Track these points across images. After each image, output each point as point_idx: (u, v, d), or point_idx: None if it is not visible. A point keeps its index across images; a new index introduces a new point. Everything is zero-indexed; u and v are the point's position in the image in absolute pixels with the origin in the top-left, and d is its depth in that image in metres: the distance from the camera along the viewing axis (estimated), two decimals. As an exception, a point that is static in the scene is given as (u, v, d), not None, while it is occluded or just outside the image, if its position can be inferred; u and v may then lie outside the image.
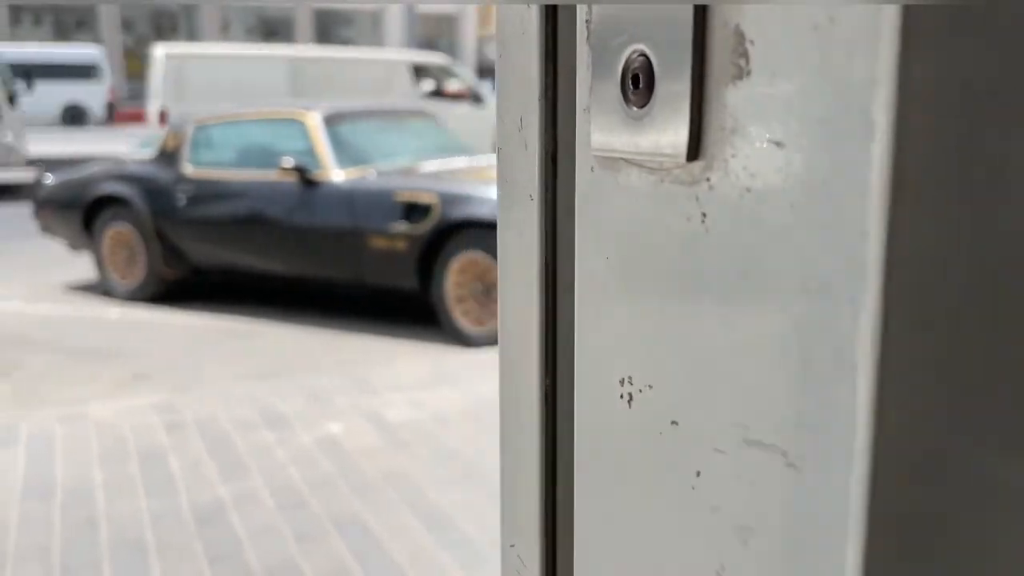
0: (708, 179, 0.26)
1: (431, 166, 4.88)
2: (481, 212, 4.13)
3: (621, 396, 0.30)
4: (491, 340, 4.12)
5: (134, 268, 5.36)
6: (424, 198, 4.30)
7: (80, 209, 5.49)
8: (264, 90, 9.02)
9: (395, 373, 3.44)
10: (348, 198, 4.51)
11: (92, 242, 5.50)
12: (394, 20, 33.49)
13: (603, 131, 0.30)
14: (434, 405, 3.05)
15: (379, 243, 4.41)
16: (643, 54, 0.28)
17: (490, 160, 5.08)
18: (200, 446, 2.70)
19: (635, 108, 0.28)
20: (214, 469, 2.53)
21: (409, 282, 4.41)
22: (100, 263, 5.48)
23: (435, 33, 35.24)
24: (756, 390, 0.25)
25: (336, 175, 4.61)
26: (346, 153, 4.79)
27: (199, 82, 9.05)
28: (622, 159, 0.29)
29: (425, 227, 4.26)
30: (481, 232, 4.14)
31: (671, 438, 0.28)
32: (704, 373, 0.27)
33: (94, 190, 5.44)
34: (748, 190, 0.25)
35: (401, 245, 4.34)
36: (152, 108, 9.13)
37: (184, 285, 5.42)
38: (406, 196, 4.35)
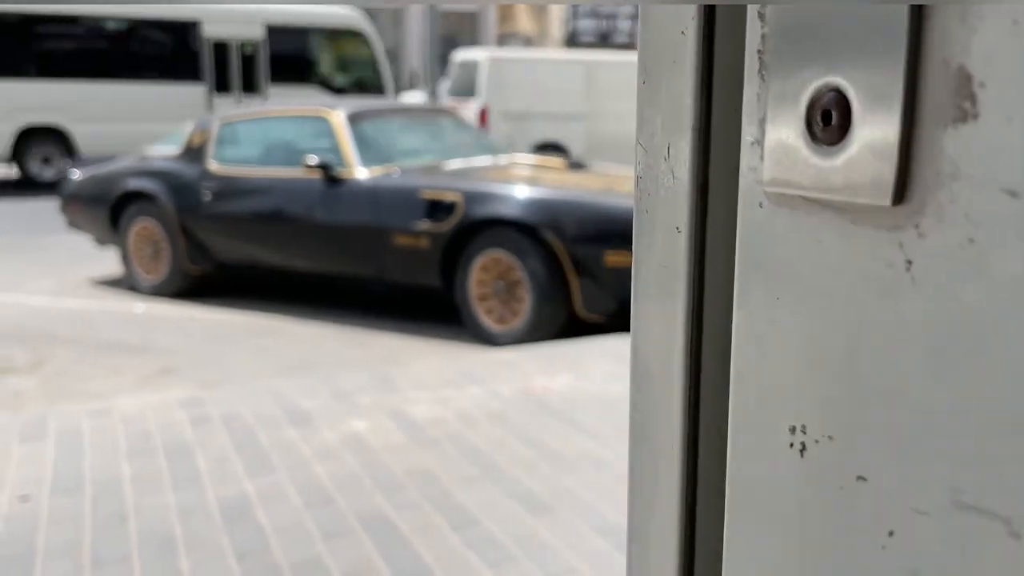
0: (917, 225, 0.25)
1: (455, 164, 4.86)
2: (504, 210, 4.11)
3: (791, 445, 0.29)
4: (513, 339, 4.10)
5: (159, 264, 5.38)
6: (448, 196, 4.28)
7: (106, 205, 5.52)
8: (563, 91, 9.90)
9: (419, 371, 3.43)
10: (372, 195, 4.50)
11: (118, 237, 5.53)
12: (415, 18, 33.51)
13: (779, 167, 0.28)
14: (459, 404, 3.03)
15: (403, 241, 4.40)
16: (836, 89, 0.26)
17: (512, 159, 5.06)
18: (226, 442, 2.70)
19: (824, 145, 0.27)
20: (240, 465, 2.52)
21: (432, 280, 4.40)
22: (125, 258, 5.51)
23: (456, 31, 35.24)
24: (974, 452, 0.24)
25: (360, 173, 4.61)
26: (370, 151, 4.79)
27: (514, 83, 9.67)
28: (801, 197, 0.28)
29: (448, 225, 4.24)
30: (504, 230, 4.12)
31: (856, 494, 0.27)
32: (905, 429, 0.25)
33: (120, 186, 5.47)
34: (971, 240, 0.23)
35: (424, 243, 4.33)
36: (472, 106, 9.57)
37: (208, 281, 5.44)
38: (430, 194, 4.34)
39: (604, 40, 37.25)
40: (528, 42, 39.74)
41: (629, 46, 37.49)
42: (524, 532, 2.10)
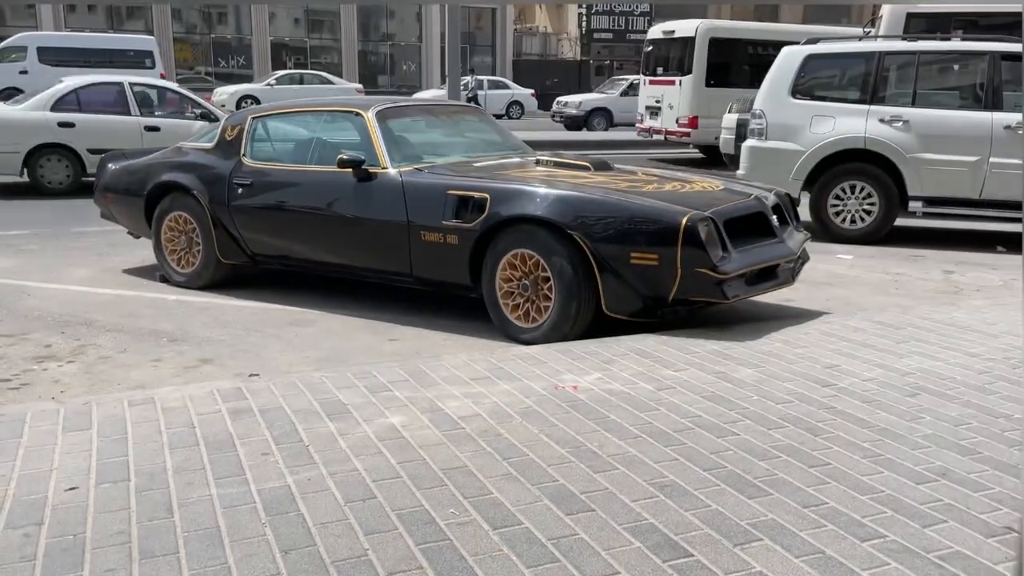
0: None
1: (483, 162, 4.85)
2: (532, 209, 4.09)
3: None
4: (540, 336, 4.09)
5: (191, 256, 5.40)
6: (476, 194, 4.27)
7: (140, 196, 5.54)
8: None
9: (451, 365, 3.43)
10: (402, 192, 4.49)
11: (151, 229, 5.55)
12: (435, 15, 33.37)
13: None
14: (491, 400, 3.03)
15: (431, 237, 4.39)
16: None
17: (539, 157, 5.03)
18: (266, 434, 2.71)
19: None
20: (280, 458, 2.53)
21: (461, 277, 4.39)
22: (159, 250, 5.53)
23: (475, 26, 35.07)
24: None
25: (391, 169, 4.60)
26: (401, 148, 4.78)
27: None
28: None
29: (477, 223, 4.23)
30: (532, 229, 4.11)
31: None
32: None
33: (155, 178, 5.48)
34: None
35: (453, 240, 4.32)
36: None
37: (240, 274, 5.45)
38: (458, 192, 4.33)
39: (620, 36, 37.04)
40: (545, 38, 39.53)
41: (643, 42, 37.11)
42: (562, 532, 2.10)
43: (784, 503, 2.25)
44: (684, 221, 3.85)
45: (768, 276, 4.24)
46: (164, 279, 5.56)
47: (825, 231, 7.25)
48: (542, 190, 4.16)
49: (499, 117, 28.09)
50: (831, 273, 5.98)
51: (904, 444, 2.66)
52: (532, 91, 28.96)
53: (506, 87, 28.60)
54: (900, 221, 7.25)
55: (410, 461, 2.50)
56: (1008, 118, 6.76)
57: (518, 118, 27.54)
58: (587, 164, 4.75)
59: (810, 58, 7.46)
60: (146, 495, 2.29)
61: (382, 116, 4.86)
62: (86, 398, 3.07)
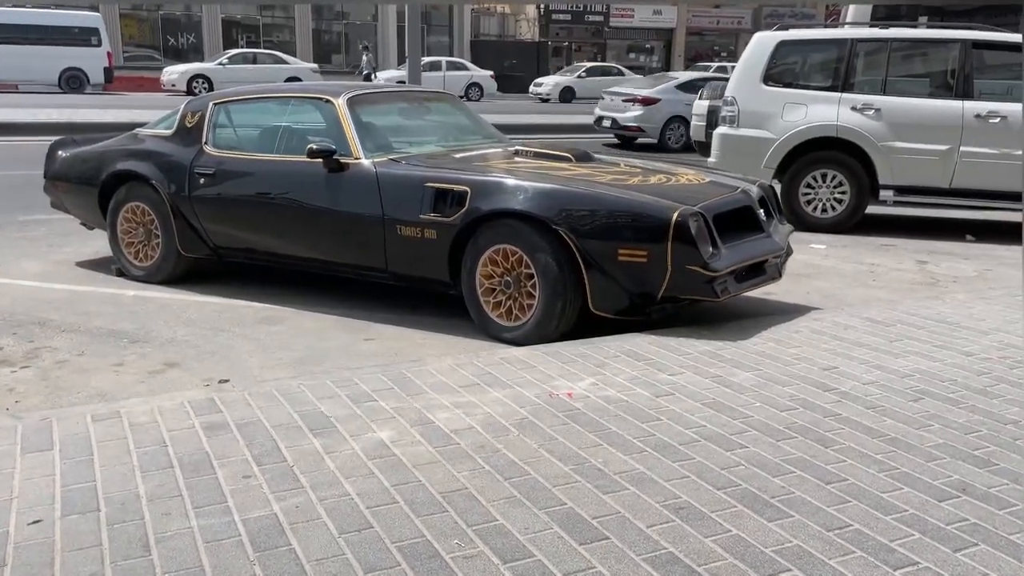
0: None
1: (462, 153, 4.65)
2: (515, 204, 3.92)
3: None
4: (523, 336, 3.93)
5: (150, 249, 5.12)
6: (455, 187, 4.08)
7: (95, 185, 5.23)
8: None
9: (436, 370, 3.25)
10: (376, 184, 4.28)
11: (106, 220, 5.25)
12: (392, -7, 32.76)
13: None
14: (483, 410, 2.86)
15: (408, 232, 4.19)
16: None
17: (518, 147, 4.84)
18: (245, 454, 2.51)
19: None
20: (264, 482, 2.33)
21: (439, 273, 4.20)
22: (115, 242, 5.24)
23: (431, 6, 34.53)
24: None
25: (364, 160, 4.38)
26: (374, 137, 4.55)
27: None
28: None
29: (456, 217, 4.04)
30: (514, 224, 3.94)
31: None
32: None
33: (109, 166, 5.18)
34: None
35: (431, 235, 4.13)
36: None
37: (202, 268, 5.20)
38: (437, 184, 4.13)
39: (578, 18, 36.85)
40: (503, 18, 39.15)
41: (601, 24, 37.00)
42: (578, 565, 1.95)
43: (807, 526, 2.13)
44: (675, 216, 3.71)
45: (756, 272, 4.13)
46: (120, 273, 5.27)
47: (796, 220, 7.19)
48: (526, 183, 3.99)
49: (457, 99, 27.80)
50: (807, 264, 5.91)
51: (918, 455, 2.56)
52: (491, 73, 28.70)
53: (464, 68, 28.29)
54: (869, 209, 7.23)
55: (405, 483, 2.33)
56: (979, 107, 6.75)
57: (477, 100, 27.24)
58: (568, 155, 4.58)
59: (782, 45, 7.37)
60: (119, 528, 2.09)
61: (353, 103, 4.63)
62: (45, 413, 2.83)
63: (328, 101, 4.64)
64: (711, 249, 3.81)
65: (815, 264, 5.91)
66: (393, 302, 4.76)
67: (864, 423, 2.80)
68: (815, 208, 7.24)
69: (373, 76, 25.63)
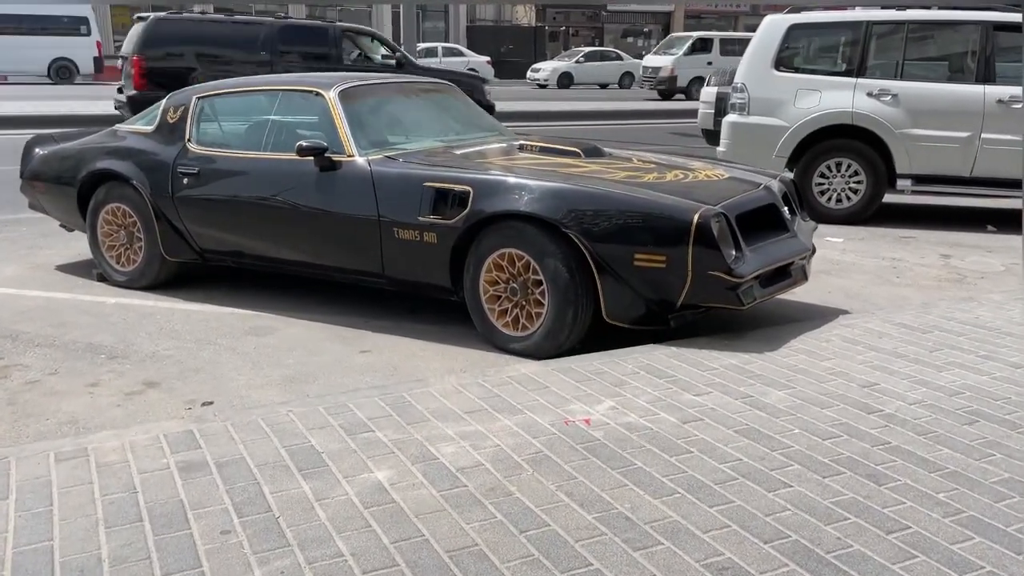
0: None
1: (464, 149, 4.33)
2: (521, 205, 3.61)
3: None
4: (531, 346, 3.64)
5: (132, 252, 4.80)
6: (457, 187, 3.77)
7: (73, 185, 4.91)
8: None
9: (438, 392, 2.95)
10: (371, 184, 3.97)
11: (86, 222, 4.93)
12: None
13: None
14: (493, 442, 2.56)
15: (406, 235, 3.88)
16: None
17: (522, 142, 4.52)
18: (225, 501, 2.21)
19: None
20: (245, 539, 2.04)
21: (440, 278, 3.90)
22: (95, 246, 4.92)
23: (427, -8, 34.04)
24: None
25: (358, 158, 4.06)
26: (368, 133, 4.23)
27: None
28: None
29: (458, 219, 3.73)
30: (521, 226, 3.63)
31: None
32: None
33: (88, 165, 4.86)
34: None
35: (431, 238, 3.82)
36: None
37: (188, 272, 4.88)
38: (437, 184, 3.82)
39: (575, 2, 36.34)
40: (499, 3, 38.64)
41: (598, 8, 36.56)
42: (611, 648, 1.65)
43: (872, 590, 1.84)
44: (695, 218, 3.40)
45: (782, 275, 3.83)
46: (102, 278, 4.96)
47: (810, 211, 6.88)
48: (532, 182, 3.67)
49: (454, 85, 27.34)
50: (825, 259, 5.61)
51: (984, 494, 2.26)
52: (488, 58, 28.28)
53: (461, 54, 27.89)
54: (884, 197, 6.92)
55: (406, 540, 2.03)
56: (1001, 92, 6.43)
57: (474, 86, 26.79)
58: (576, 150, 4.27)
59: (794, 28, 7.04)
60: (74, 604, 1.79)
61: (346, 96, 4.30)
62: (3, 452, 2.52)
63: (318, 94, 4.31)
64: (734, 252, 3.50)
65: (834, 260, 5.60)
66: (390, 306, 4.45)
67: (917, 453, 2.50)
68: (829, 198, 6.93)
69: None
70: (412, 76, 5.42)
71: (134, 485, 2.30)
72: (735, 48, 20.70)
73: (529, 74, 28.59)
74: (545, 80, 27.98)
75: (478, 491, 2.26)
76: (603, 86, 28.84)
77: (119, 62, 11.27)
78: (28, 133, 10.78)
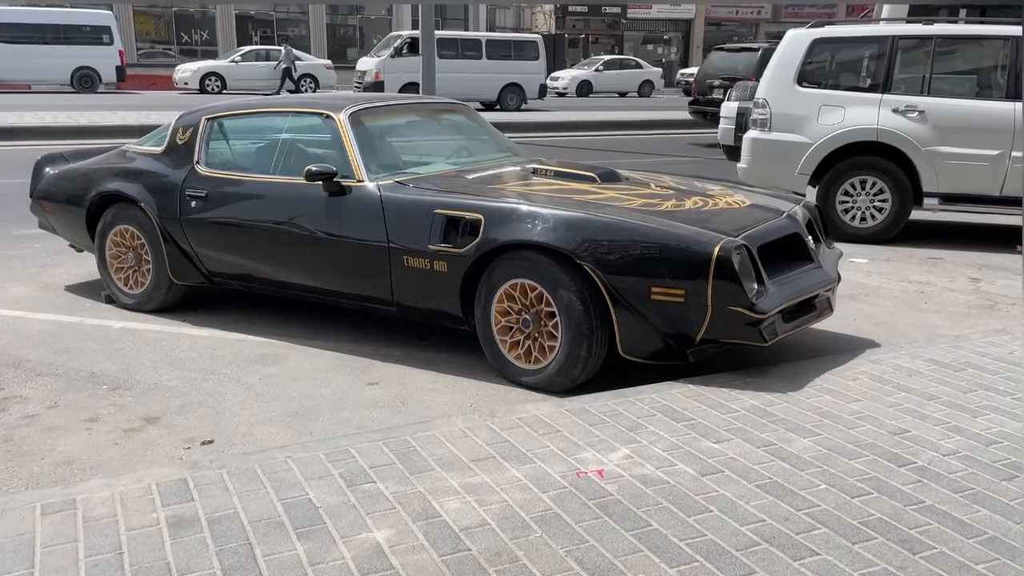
0: None
1: (476, 174, 4.19)
2: (534, 234, 3.46)
3: None
4: (544, 380, 3.49)
5: (140, 275, 4.71)
6: (468, 214, 3.63)
7: (81, 206, 4.83)
8: None
9: (444, 436, 2.81)
10: (380, 210, 3.84)
11: (94, 243, 4.85)
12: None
13: None
14: (500, 497, 2.41)
15: (416, 263, 3.75)
16: None
17: (536, 166, 4.38)
18: (215, 566, 2.08)
19: None
20: (233, 609, 1.90)
21: (450, 307, 3.76)
22: (104, 267, 4.83)
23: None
24: None
25: (368, 183, 3.93)
26: (379, 157, 4.11)
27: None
28: None
29: (469, 248, 3.60)
30: (534, 256, 3.48)
31: None
32: None
33: (97, 186, 4.77)
34: None
35: (441, 267, 3.69)
36: None
37: (197, 294, 4.78)
38: (448, 211, 3.69)
39: (595, 10, 36.20)
40: (519, 11, 38.58)
41: (618, 15, 36.40)
42: None
43: None
44: (716, 250, 3.24)
45: (806, 308, 3.65)
46: (110, 300, 4.87)
47: (833, 230, 6.68)
48: (546, 211, 3.53)
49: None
50: (850, 282, 5.42)
51: (1028, 566, 2.09)
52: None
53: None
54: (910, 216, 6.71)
55: (404, 614, 1.89)
56: (1032, 109, 6.20)
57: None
58: (592, 174, 4.12)
59: (817, 42, 6.85)
60: None
61: (356, 119, 4.18)
62: (-12, 502, 2.41)
63: (329, 116, 4.19)
64: (756, 286, 3.34)
65: (859, 283, 5.41)
66: (399, 332, 4.32)
67: (954, 515, 2.33)
68: (853, 217, 6.73)
69: (294, 70, 22.83)
70: (426, 97, 5.28)
71: (120, 544, 2.17)
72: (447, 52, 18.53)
73: (548, 83, 28.47)
74: (564, 89, 27.86)
75: (483, 556, 2.11)
76: (622, 94, 28.69)
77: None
78: (46, 144, 10.78)
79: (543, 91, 20.21)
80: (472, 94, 18.68)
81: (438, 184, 3.94)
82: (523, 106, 19.79)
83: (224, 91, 23.18)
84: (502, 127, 13.68)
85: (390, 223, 3.81)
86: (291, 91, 22.42)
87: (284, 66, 22.87)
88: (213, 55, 27.52)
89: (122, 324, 4.51)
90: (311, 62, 24.61)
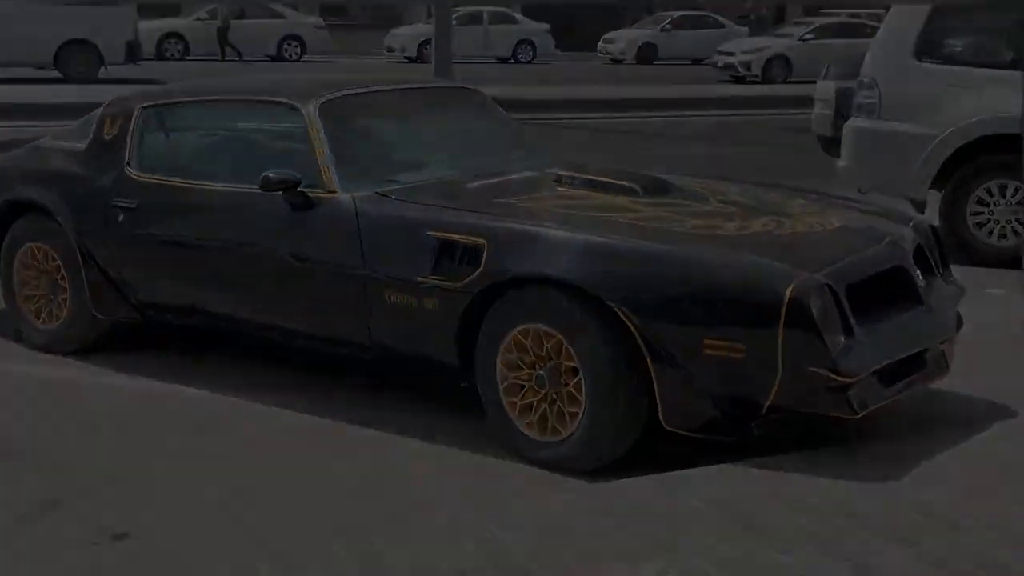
0: None
1: (480, 182, 4.17)
2: (551, 267, 3.44)
3: None
4: (562, 457, 3.47)
5: (56, 306, 4.75)
6: (467, 238, 3.61)
7: (-14, 218, 4.91)
8: None
9: (421, 540, 2.77)
10: (356, 228, 3.85)
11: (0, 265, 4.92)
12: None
13: None
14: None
15: (400, 299, 3.76)
16: None
17: (561, 172, 4.34)
18: None
19: None
20: None
21: (444, 354, 3.75)
22: (9, 295, 4.91)
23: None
24: None
25: (340, 194, 3.94)
26: (356, 160, 4.13)
27: None
28: None
29: (468, 281, 3.58)
30: (551, 294, 3.45)
31: None
32: None
33: (3, 192, 4.85)
34: None
35: (431, 304, 3.68)
36: None
37: (124, 334, 4.81)
38: (441, 232, 3.68)
39: None
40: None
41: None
42: None
43: None
44: (788, 292, 3.17)
45: (911, 366, 3.57)
46: (20, 336, 4.93)
47: (962, 247, 6.55)
48: (568, 234, 3.52)
49: (504, 61, 27.45)
50: (979, 324, 5.24)
51: None
52: (547, 26, 28.21)
53: (513, 21, 27.95)
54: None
55: None
56: None
57: (529, 62, 26.83)
58: (633, 185, 4.06)
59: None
60: None
61: (328, 111, 4.18)
62: None
63: (293, 107, 4.21)
64: (843, 339, 3.26)
65: (992, 325, 5.25)
66: (380, 387, 4.30)
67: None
68: (990, 232, 6.60)
69: (228, 36, 23.42)
70: (419, 81, 5.30)
71: None
72: None
73: (601, 45, 28.54)
74: (621, 54, 27.87)
75: None
76: (696, 62, 28.64)
77: None
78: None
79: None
80: None
81: (430, 196, 3.96)
82: None
83: (187, 57, 23.62)
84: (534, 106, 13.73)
85: (368, 246, 3.82)
86: (233, 60, 22.71)
87: (218, 25, 23.03)
88: (175, 11, 27.94)
89: (29, 368, 4.57)
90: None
